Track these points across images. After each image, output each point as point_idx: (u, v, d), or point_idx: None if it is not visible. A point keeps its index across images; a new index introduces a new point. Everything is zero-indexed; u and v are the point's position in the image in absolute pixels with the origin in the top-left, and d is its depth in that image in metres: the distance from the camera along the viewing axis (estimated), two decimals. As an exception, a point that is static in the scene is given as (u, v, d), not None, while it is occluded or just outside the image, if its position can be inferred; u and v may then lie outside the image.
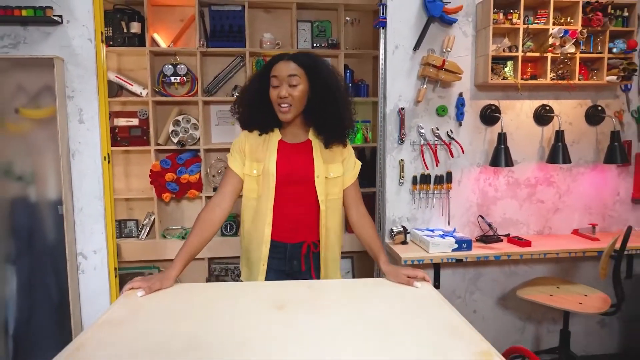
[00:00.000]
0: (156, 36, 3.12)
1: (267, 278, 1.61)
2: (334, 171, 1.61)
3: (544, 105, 2.57)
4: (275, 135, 1.61)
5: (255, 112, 1.58)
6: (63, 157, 2.25)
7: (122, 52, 3.13)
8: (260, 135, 1.61)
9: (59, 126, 2.22)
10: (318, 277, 1.65)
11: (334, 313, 1.20)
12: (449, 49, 2.41)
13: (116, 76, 3.11)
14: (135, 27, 3.01)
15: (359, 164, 1.70)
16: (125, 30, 2.99)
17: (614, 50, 2.43)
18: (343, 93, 1.56)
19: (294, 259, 1.62)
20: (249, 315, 1.19)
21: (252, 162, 1.60)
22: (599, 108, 2.61)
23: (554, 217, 2.66)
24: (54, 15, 2.16)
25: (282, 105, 1.51)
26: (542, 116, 2.57)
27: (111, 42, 3.00)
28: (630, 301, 2.73)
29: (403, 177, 2.51)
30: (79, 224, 2.33)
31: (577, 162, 2.64)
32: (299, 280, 1.54)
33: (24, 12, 2.12)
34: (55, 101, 2.22)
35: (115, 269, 2.40)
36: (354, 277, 3.61)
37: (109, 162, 2.36)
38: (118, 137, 3.14)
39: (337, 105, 1.54)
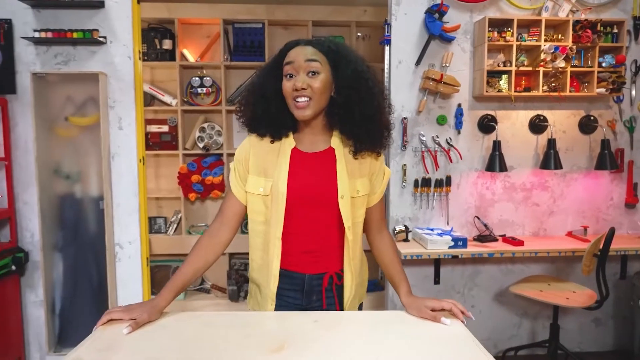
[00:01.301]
0: (185, 51, 3.46)
1: None
2: (362, 188, 1.26)
3: (538, 115, 2.77)
4: (288, 143, 1.25)
5: (265, 111, 1.23)
6: (104, 159, 2.58)
7: (155, 66, 3.48)
8: (272, 142, 1.26)
9: (102, 132, 2.55)
10: None
11: (344, 357, 0.97)
12: (447, 64, 2.64)
13: (149, 87, 3.46)
14: (167, 44, 3.36)
15: (388, 173, 1.36)
16: (158, 47, 3.34)
17: (604, 64, 2.62)
18: (378, 84, 1.23)
19: (312, 292, 1.29)
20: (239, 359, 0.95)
21: (258, 177, 1.25)
22: (592, 118, 2.78)
23: (549, 220, 2.85)
24: (99, 37, 2.50)
25: (299, 99, 1.17)
26: (537, 125, 2.77)
27: (146, 58, 3.35)
28: (624, 301, 2.88)
29: (405, 180, 2.74)
30: (117, 218, 2.65)
31: (570, 168, 2.82)
32: (304, 312, 1.24)
33: (75, 35, 2.47)
34: (99, 110, 2.56)
35: (147, 258, 2.72)
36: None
37: (143, 164, 2.68)
38: (150, 142, 3.48)
39: (372, 98, 1.19)
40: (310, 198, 1.23)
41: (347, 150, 1.25)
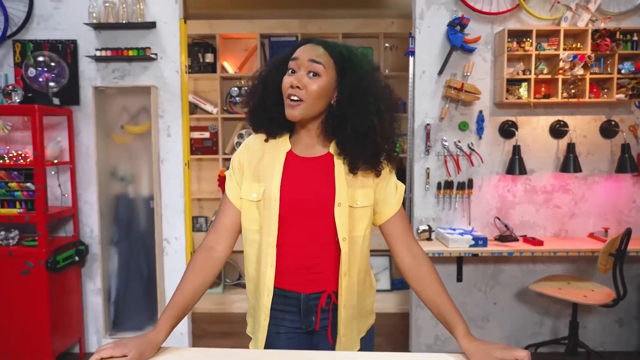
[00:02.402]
0: (225, 64, 3.76)
1: (276, 339, 1.20)
2: (362, 199, 1.16)
3: (559, 121, 2.88)
4: (284, 145, 1.19)
5: (263, 103, 1.17)
6: (154, 163, 2.88)
7: (198, 78, 3.80)
8: (266, 140, 1.20)
9: (153, 139, 2.86)
10: (334, 341, 1.21)
11: None
12: (469, 73, 2.80)
13: (193, 97, 3.78)
14: (209, 57, 3.67)
15: (402, 186, 1.24)
16: (201, 60, 3.65)
17: (623, 71, 2.70)
18: (385, 102, 1.14)
19: (311, 313, 1.19)
20: None
21: (252, 182, 1.18)
22: (613, 123, 2.87)
23: (570, 222, 2.94)
24: (151, 54, 2.81)
25: (291, 97, 1.11)
26: (558, 130, 2.88)
27: (190, 70, 3.67)
28: (647, 302, 2.93)
29: (429, 182, 2.91)
30: (165, 216, 2.95)
31: (592, 172, 2.91)
32: (302, 353, 1.12)
33: (130, 52, 2.79)
34: (150, 119, 2.87)
35: (191, 252, 3.00)
36: (392, 278, 3.97)
37: (188, 167, 2.97)
38: (193, 147, 3.80)
39: (368, 117, 1.11)
40: (305, 205, 1.14)
41: (345, 162, 1.16)
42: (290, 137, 1.21)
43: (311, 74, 1.11)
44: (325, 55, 1.12)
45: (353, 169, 1.15)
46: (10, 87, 2.65)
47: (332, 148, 1.18)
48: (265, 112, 1.17)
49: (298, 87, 1.11)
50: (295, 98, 1.11)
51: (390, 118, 1.16)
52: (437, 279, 1.15)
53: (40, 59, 2.68)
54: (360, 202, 1.17)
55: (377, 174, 1.18)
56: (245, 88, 1.46)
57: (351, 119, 1.11)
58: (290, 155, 1.19)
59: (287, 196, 1.14)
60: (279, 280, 1.18)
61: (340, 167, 1.16)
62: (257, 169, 1.19)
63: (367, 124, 1.11)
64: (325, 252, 1.17)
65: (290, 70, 1.13)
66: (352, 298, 1.20)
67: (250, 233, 1.20)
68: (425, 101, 2.87)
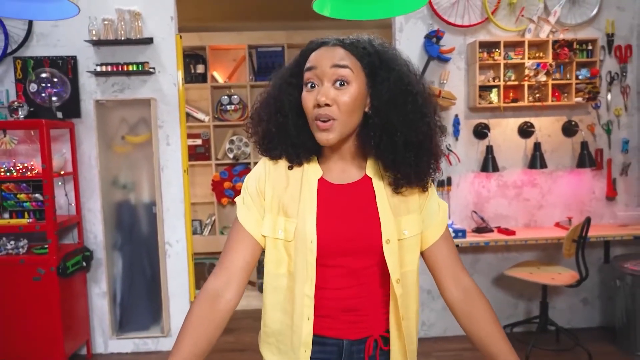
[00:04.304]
0: (215, 74, 3.94)
1: None
2: (410, 227, 0.99)
3: (526, 122, 3.19)
4: (313, 171, 1.00)
5: (281, 129, 0.98)
6: (155, 171, 3.05)
7: (190, 87, 3.96)
8: (290, 167, 1.00)
9: (153, 148, 3.03)
10: None
11: None
12: (445, 81, 3.08)
13: (185, 106, 3.94)
14: (200, 68, 3.84)
15: (444, 205, 1.06)
16: (192, 71, 3.83)
17: (580, 77, 3.03)
18: (430, 101, 0.97)
19: None
20: None
21: (277, 216, 0.99)
22: (573, 123, 3.20)
23: (538, 213, 3.26)
24: (149, 68, 2.97)
25: (321, 119, 0.92)
26: (525, 130, 3.19)
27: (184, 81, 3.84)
28: (608, 282, 3.28)
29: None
30: (166, 220, 3.12)
31: (556, 167, 3.23)
32: None
33: (129, 67, 2.95)
34: (150, 130, 3.03)
35: (192, 254, 3.18)
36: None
37: (187, 174, 3.14)
38: (186, 154, 3.96)
39: (421, 120, 0.94)
40: (347, 245, 0.96)
41: (385, 182, 0.98)
42: (319, 159, 1.01)
43: (338, 84, 0.91)
44: (349, 56, 0.93)
45: (397, 188, 0.96)
46: (16, 103, 2.77)
47: (369, 169, 0.99)
48: (286, 138, 0.98)
49: (327, 105, 0.91)
50: (326, 120, 0.91)
51: (439, 117, 0.98)
52: (493, 320, 0.99)
53: (43, 75, 2.82)
54: (409, 231, 0.98)
55: (424, 189, 1.00)
56: (249, 121, 1.04)
57: (399, 127, 0.92)
58: (322, 183, 0.98)
59: (325, 236, 0.95)
60: (318, 325, 0.98)
61: (382, 193, 0.97)
62: (283, 200, 0.98)
63: (421, 128, 0.93)
64: (371, 292, 0.99)
65: (309, 85, 0.93)
66: (412, 342, 1.02)
67: (274, 278, 1.00)
68: (406, 107, 3.13)
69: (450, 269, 1.02)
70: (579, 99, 3.01)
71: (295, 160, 1.00)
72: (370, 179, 0.99)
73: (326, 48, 0.94)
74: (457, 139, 3.17)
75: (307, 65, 0.94)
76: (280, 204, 0.98)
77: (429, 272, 1.06)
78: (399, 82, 0.93)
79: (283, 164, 1.01)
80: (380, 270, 0.99)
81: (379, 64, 0.94)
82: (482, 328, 0.99)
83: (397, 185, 0.96)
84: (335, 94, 0.91)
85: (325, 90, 0.91)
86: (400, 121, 0.93)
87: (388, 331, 1.01)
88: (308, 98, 0.93)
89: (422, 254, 1.04)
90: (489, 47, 3.03)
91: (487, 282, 3.29)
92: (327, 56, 0.93)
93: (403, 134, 0.92)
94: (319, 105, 0.91)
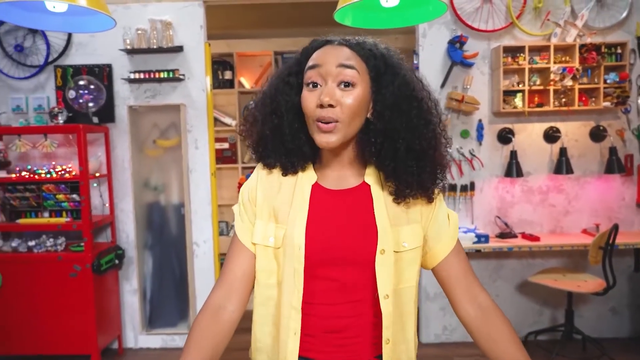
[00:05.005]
0: (242, 79, 4.06)
1: None
2: (410, 239, 0.93)
3: (552, 127, 3.15)
4: (308, 176, 0.96)
5: (275, 132, 0.93)
6: (184, 173, 3.17)
7: (217, 93, 4.09)
8: (284, 174, 0.96)
9: (182, 151, 3.15)
10: None
11: None
12: (468, 86, 3.08)
13: (213, 111, 4.07)
14: (227, 74, 3.96)
15: (454, 217, 1.01)
16: (220, 77, 3.95)
17: (608, 81, 2.98)
18: (435, 108, 0.93)
19: None
20: None
21: (268, 222, 0.94)
22: (601, 128, 3.14)
23: (565, 219, 3.21)
24: (179, 75, 3.10)
25: (323, 120, 0.87)
26: (551, 135, 3.15)
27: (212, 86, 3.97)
28: (638, 292, 3.19)
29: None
30: (194, 221, 3.23)
31: (583, 173, 3.18)
32: None
33: (160, 74, 3.08)
34: (179, 134, 3.16)
35: (218, 254, 3.28)
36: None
37: (214, 177, 3.25)
38: (214, 158, 4.09)
39: (426, 127, 0.90)
40: (338, 254, 0.90)
41: (386, 192, 0.93)
42: (314, 165, 0.97)
43: (343, 85, 0.87)
44: (355, 56, 0.89)
45: (398, 198, 0.91)
46: (56, 109, 2.94)
47: (368, 176, 0.94)
48: (281, 143, 0.93)
49: (331, 106, 0.86)
50: (329, 122, 0.87)
51: (444, 127, 0.94)
52: (513, 338, 0.92)
53: (81, 82, 2.98)
54: (409, 243, 0.92)
55: (430, 200, 0.94)
56: (242, 122, 1.01)
57: (402, 133, 0.88)
58: (316, 188, 0.94)
59: (315, 243, 0.89)
60: (303, 346, 0.92)
61: (380, 200, 0.92)
62: (275, 206, 0.94)
63: (424, 137, 0.89)
64: (362, 311, 0.91)
65: (310, 84, 0.89)
66: None
67: (264, 288, 0.95)
68: (429, 112, 3.15)
69: (463, 286, 0.95)
70: (607, 104, 2.96)
71: (290, 168, 0.95)
72: (369, 185, 0.94)
73: (331, 46, 0.90)
74: (480, 144, 3.16)
75: (310, 63, 0.89)
76: (272, 209, 0.94)
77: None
78: (404, 87, 0.90)
79: (277, 172, 0.96)
80: (374, 287, 0.91)
81: (384, 69, 0.90)
82: (503, 351, 0.91)
83: (400, 196, 0.91)
84: (340, 94, 0.87)
85: (329, 90, 0.86)
86: (403, 127, 0.89)
87: (380, 357, 0.92)
88: (309, 98, 0.88)
89: (432, 270, 0.99)
90: (514, 51, 3.02)
91: (511, 288, 3.27)
92: (332, 54, 0.88)
93: (405, 140, 0.89)
94: (321, 106, 0.86)
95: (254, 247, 0.95)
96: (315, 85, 0.88)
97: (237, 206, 1.02)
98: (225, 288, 0.95)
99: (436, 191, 0.95)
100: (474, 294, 0.96)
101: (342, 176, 0.95)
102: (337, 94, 0.86)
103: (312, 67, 0.88)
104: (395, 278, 0.91)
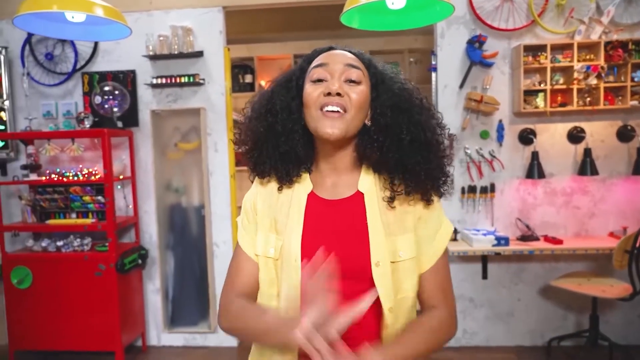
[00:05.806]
0: (262, 83, 4.11)
1: None
2: (406, 248, 0.93)
3: (576, 127, 3.06)
4: (303, 184, 0.96)
5: (269, 132, 0.94)
6: (204, 176, 3.24)
7: (238, 96, 4.15)
8: (279, 189, 0.97)
9: (202, 154, 3.22)
10: None
11: None
12: (488, 86, 3.03)
13: (233, 114, 4.13)
14: (248, 78, 4.02)
15: (448, 226, 1.00)
16: (240, 81, 4.02)
17: (636, 79, 2.87)
18: (434, 109, 0.96)
19: None
20: None
21: (269, 233, 0.96)
22: (629, 127, 3.02)
23: (590, 222, 3.11)
24: (200, 79, 3.17)
25: (330, 106, 0.88)
26: (575, 136, 3.06)
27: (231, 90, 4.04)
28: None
29: (453, 187, 3.14)
30: (214, 223, 3.29)
31: (610, 174, 3.07)
32: None
33: (182, 79, 3.16)
34: (200, 137, 3.23)
35: (237, 255, 3.33)
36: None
37: (234, 179, 3.31)
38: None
39: (427, 121, 0.92)
40: (334, 266, 0.86)
41: (381, 197, 0.93)
42: (310, 175, 0.97)
43: (349, 82, 0.90)
44: (358, 61, 0.94)
45: (407, 190, 0.91)
46: (83, 114, 3.06)
47: (363, 185, 0.94)
48: (275, 146, 0.92)
49: (339, 94, 0.87)
50: (336, 109, 0.87)
51: (443, 135, 0.95)
52: (413, 328, 0.91)
53: (106, 88, 3.09)
54: (405, 253, 0.91)
55: (428, 202, 0.94)
56: (236, 129, 1.05)
57: (406, 126, 0.90)
58: (312, 198, 0.94)
59: (311, 255, 0.86)
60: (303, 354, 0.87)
61: (373, 210, 0.91)
62: (274, 216, 0.95)
63: (428, 127, 0.91)
64: (361, 324, 0.86)
65: (316, 80, 0.91)
66: None
67: (266, 299, 0.96)
68: (448, 113, 3.11)
69: (429, 300, 0.96)
70: (635, 102, 2.86)
71: (285, 178, 0.95)
72: (363, 195, 0.94)
73: (336, 51, 0.96)
74: (500, 145, 3.10)
75: (316, 62, 0.93)
76: (272, 220, 0.96)
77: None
78: (403, 91, 0.94)
79: (274, 184, 0.98)
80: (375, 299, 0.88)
81: (382, 78, 0.95)
82: (406, 327, 0.92)
83: (407, 190, 0.91)
84: (348, 89, 0.90)
85: (337, 82, 0.89)
86: (406, 121, 0.91)
87: None
88: (314, 89, 0.90)
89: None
90: (535, 50, 2.95)
91: (533, 292, 3.19)
92: (339, 55, 0.93)
93: (410, 132, 0.90)
94: (329, 94, 0.88)
95: (257, 258, 0.97)
96: (320, 80, 0.91)
97: (240, 218, 1.04)
98: (233, 294, 0.98)
99: (435, 199, 0.96)
100: (432, 304, 0.96)
101: (336, 184, 0.96)
102: (345, 88, 0.89)
103: (319, 65, 0.92)
104: (396, 289, 0.91)
